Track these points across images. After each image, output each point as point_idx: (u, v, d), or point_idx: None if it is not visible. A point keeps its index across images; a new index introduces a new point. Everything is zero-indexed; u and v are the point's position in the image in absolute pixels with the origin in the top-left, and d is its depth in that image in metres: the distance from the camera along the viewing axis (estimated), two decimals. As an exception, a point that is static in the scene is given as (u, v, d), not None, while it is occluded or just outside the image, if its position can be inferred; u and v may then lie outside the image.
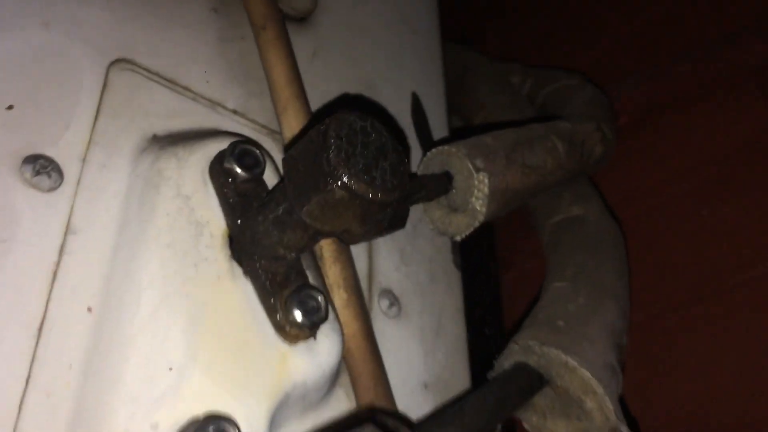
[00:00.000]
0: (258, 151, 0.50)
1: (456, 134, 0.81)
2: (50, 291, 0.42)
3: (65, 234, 0.44)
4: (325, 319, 0.48)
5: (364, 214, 0.42)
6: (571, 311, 0.59)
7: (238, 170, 0.49)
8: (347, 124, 0.41)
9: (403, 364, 0.60)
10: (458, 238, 0.61)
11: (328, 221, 0.42)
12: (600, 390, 0.52)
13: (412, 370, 0.61)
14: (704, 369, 0.70)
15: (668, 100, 0.90)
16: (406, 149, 0.46)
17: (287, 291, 0.48)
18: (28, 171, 0.44)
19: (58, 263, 0.43)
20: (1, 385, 0.39)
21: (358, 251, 0.62)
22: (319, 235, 0.45)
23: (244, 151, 0.49)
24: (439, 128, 0.79)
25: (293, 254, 0.47)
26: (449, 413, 0.48)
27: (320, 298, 0.48)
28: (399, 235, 0.66)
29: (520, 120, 0.91)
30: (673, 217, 0.81)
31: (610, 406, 0.52)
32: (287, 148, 0.57)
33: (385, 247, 0.64)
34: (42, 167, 0.44)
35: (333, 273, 0.55)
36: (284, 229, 0.45)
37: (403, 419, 0.50)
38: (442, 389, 0.62)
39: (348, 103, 0.66)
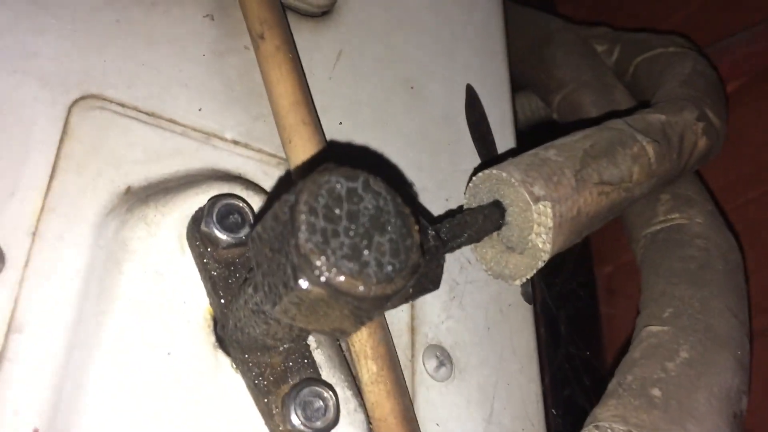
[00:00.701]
0: (244, 206, 0.40)
1: (524, 137, 0.67)
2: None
3: (6, 334, 0.36)
4: (334, 424, 0.37)
5: (357, 313, 0.30)
6: (670, 372, 0.46)
7: (219, 234, 0.39)
8: (326, 189, 0.30)
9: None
10: (518, 283, 0.49)
11: (310, 322, 0.31)
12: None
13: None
14: None
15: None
16: (414, 212, 0.35)
17: (285, 388, 0.38)
18: (-47, 262, 0.36)
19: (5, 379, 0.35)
20: None
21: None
22: (307, 333, 0.34)
23: (225, 208, 0.39)
24: (501, 126, 0.66)
25: (287, 345, 0.37)
26: None
27: (327, 397, 0.37)
28: (449, 268, 0.55)
29: (604, 101, 0.77)
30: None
31: None
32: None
33: (432, 293, 0.53)
34: (-27, 254, 0.36)
35: (358, 340, 0.45)
36: (267, 321, 0.35)
37: None
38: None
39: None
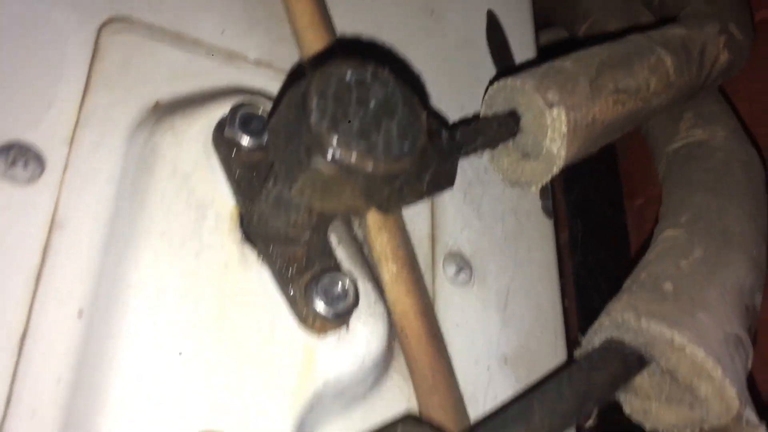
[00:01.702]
0: (265, 114, 0.42)
1: (546, 54, 0.68)
2: (33, 296, 0.37)
3: (49, 230, 0.39)
4: (354, 306, 0.40)
5: (368, 190, 0.33)
6: (683, 269, 0.47)
7: (242, 138, 0.41)
8: (336, 77, 0.32)
9: (478, 338, 0.52)
10: (534, 189, 0.51)
11: (325, 201, 0.33)
12: (717, 373, 0.41)
13: (489, 344, 0.52)
14: None
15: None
16: (424, 99, 0.36)
17: (308, 276, 0.40)
18: (1, 162, 0.39)
19: (41, 264, 0.38)
20: None
21: (418, 209, 0.53)
22: (328, 215, 0.37)
23: (248, 115, 0.41)
24: (524, 52, 0.67)
25: (308, 235, 0.39)
26: (514, 410, 0.39)
27: (347, 283, 0.40)
28: (471, 182, 0.57)
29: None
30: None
31: (731, 392, 0.41)
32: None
33: (452, 200, 0.55)
34: (17, 156, 0.39)
35: (379, 243, 0.47)
36: (287, 210, 0.37)
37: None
38: (528, 362, 0.53)
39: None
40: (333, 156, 0.30)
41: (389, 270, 0.47)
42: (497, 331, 0.53)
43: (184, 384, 0.37)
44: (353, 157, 0.31)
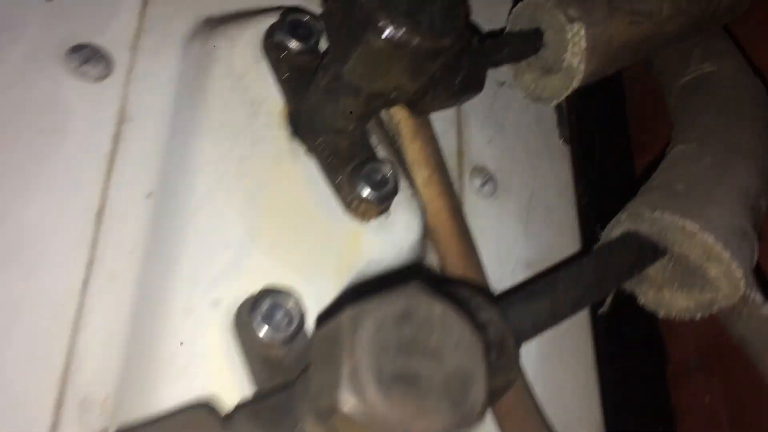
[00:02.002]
0: (311, 20, 0.46)
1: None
2: (108, 179, 0.41)
3: (119, 123, 0.43)
4: (394, 191, 0.44)
5: (414, 66, 0.36)
6: (693, 173, 0.51)
7: (291, 42, 0.45)
8: (384, -36, 0.36)
9: (502, 244, 0.56)
10: (554, 104, 0.54)
11: (375, 79, 0.37)
12: (726, 255, 0.45)
13: (512, 250, 0.56)
14: None
15: None
16: None
17: (352, 166, 0.44)
18: (74, 61, 0.43)
19: (113, 151, 0.42)
20: (65, 270, 0.39)
21: (446, 128, 0.57)
22: (374, 98, 0.40)
23: (296, 21, 0.45)
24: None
25: (354, 125, 0.43)
26: (540, 284, 0.43)
27: (387, 169, 0.44)
28: (493, 108, 0.60)
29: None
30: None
31: (738, 273, 0.45)
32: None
33: (477, 121, 0.59)
34: (89, 56, 0.43)
35: (412, 150, 0.51)
36: (337, 97, 0.41)
37: (482, 291, 0.45)
38: (549, 267, 0.57)
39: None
40: (383, 31, 0.34)
41: (422, 174, 0.51)
42: (519, 240, 0.57)
43: (240, 253, 0.41)
44: (401, 32, 0.35)
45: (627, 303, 0.51)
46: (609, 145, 0.85)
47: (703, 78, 0.65)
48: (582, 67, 0.51)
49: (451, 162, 0.56)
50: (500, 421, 0.44)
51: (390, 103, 0.45)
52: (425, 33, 0.35)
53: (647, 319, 0.57)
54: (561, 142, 0.64)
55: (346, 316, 0.28)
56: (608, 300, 0.52)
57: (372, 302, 0.28)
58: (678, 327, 0.76)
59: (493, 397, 0.37)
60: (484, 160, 0.58)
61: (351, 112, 0.42)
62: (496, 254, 0.54)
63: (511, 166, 0.59)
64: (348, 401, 0.26)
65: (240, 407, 0.33)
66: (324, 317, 0.39)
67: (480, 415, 0.29)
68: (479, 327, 0.36)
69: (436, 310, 0.29)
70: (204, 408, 0.32)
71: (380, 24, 0.34)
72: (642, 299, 0.51)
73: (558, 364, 0.55)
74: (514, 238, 0.56)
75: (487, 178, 0.57)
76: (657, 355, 0.81)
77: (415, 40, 0.35)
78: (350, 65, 0.36)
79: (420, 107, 0.46)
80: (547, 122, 0.64)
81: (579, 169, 0.64)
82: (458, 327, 0.29)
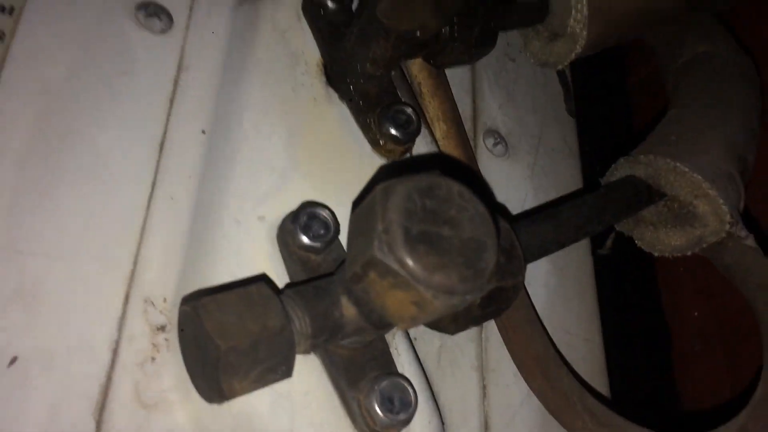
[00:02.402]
0: (347, -15, 0.52)
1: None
2: (168, 115, 0.48)
3: (178, 70, 0.49)
4: (418, 131, 0.50)
5: (435, 3, 0.43)
6: (685, 127, 0.56)
7: (328, 2, 0.51)
8: None
9: (513, 200, 0.61)
10: (560, 67, 0.60)
11: (403, 17, 0.44)
12: (712, 192, 0.50)
13: (519, 203, 0.61)
14: None
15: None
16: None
17: (379, 109, 0.50)
18: (141, 15, 0.49)
19: (173, 93, 0.48)
20: (132, 188, 0.44)
21: (461, 94, 0.63)
22: (401, 41, 0.46)
23: (333, -15, 0.52)
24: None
25: (382, 71, 0.49)
26: (546, 212, 0.48)
27: (410, 112, 0.50)
28: (504, 80, 0.67)
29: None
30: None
31: (724, 209, 0.50)
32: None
33: (490, 89, 0.65)
34: (153, 12, 0.50)
35: (432, 107, 0.57)
36: (368, 43, 0.47)
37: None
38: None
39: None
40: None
41: (440, 128, 0.57)
42: (531, 197, 0.62)
43: (283, 178, 0.47)
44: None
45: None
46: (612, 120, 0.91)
47: (698, 58, 0.71)
48: (584, 33, 0.57)
49: (467, 124, 0.62)
50: (505, 331, 0.49)
51: (414, 50, 0.51)
52: (446, -25, 0.41)
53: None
54: (567, 114, 0.70)
55: (379, 188, 0.34)
56: (608, 243, 0.57)
57: (401, 178, 0.34)
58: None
59: (502, 296, 0.43)
60: (496, 123, 0.64)
61: (380, 57, 0.48)
62: (510, 205, 0.60)
63: (521, 131, 0.65)
64: (381, 252, 0.32)
65: (287, 286, 0.39)
66: (358, 201, 0.44)
67: (491, 277, 0.35)
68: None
69: (455, 188, 0.35)
70: (263, 279, 0.37)
71: (408, -32, 0.41)
72: (639, 241, 0.56)
73: (563, 310, 0.60)
74: (521, 194, 0.62)
75: (500, 139, 0.63)
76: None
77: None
78: (381, 7, 0.43)
79: (440, 60, 0.52)
80: (555, 96, 0.70)
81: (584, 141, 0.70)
82: (474, 203, 0.35)
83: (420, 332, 0.50)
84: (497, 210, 0.50)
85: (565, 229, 0.47)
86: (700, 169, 0.51)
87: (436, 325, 0.43)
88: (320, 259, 0.43)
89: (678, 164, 0.51)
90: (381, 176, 0.47)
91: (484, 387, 0.51)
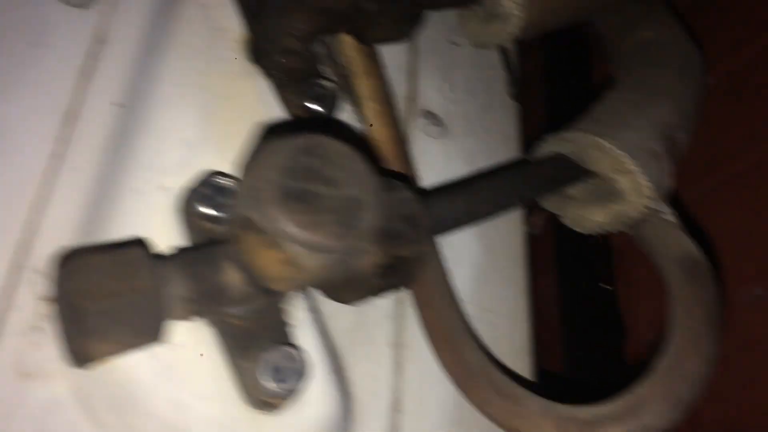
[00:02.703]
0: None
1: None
2: (81, 88, 0.47)
3: (96, 43, 0.49)
4: (335, 104, 0.49)
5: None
6: (615, 107, 0.56)
7: (250, -20, 0.51)
8: None
9: (446, 180, 0.60)
10: (493, 47, 0.60)
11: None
12: (633, 167, 0.50)
13: (455, 185, 0.61)
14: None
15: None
16: None
17: (301, 85, 0.50)
18: (69, -5, 0.49)
19: (90, 66, 0.48)
20: (31, 161, 0.43)
21: (399, 75, 0.62)
22: (320, 15, 0.46)
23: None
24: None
25: (302, 45, 0.49)
26: (460, 185, 0.48)
27: (330, 86, 0.49)
28: (446, 64, 0.66)
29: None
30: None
31: (645, 184, 0.49)
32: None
33: (429, 71, 0.64)
34: (75, -12, 0.49)
35: (364, 86, 0.56)
36: (287, 15, 0.47)
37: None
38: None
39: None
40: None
41: (371, 107, 0.56)
42: (461, 176, 0.62)
43: (191, 152, 0.46)
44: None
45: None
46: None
47: (640, 44, 0.70)
48: (521, 15, 0.56)
49: (402, 105, 0.61)
50: (419, 308, 0.48)
51: (336, 22, 0.50)
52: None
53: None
54: (509, 99, 0.70)
55: (259, 147, 0.33)
56: (537, 222, 0.56)
57: (282, 138, 0.33)
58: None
59: (404, 266, 0.42)
60: (433, 105, 0.63)
61: (300, 30, 0.47)
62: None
63: (458, 113, 0.64)
64: (252, 209, 0.32)
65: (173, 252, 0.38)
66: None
67: (367, 236, 0.34)
68: (394, 199, 0.40)
69: (336, 148, 0.34)
70: (139, 242, 0.37)
71: None
72: (565, 219, 0.55)
73: (490, 289, 0.59)
74: (457, 175, 0.61)
75: (435, 120, 0.62)
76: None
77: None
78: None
79: (368, 36, 0.51)
80: (497, 81, 0.69)
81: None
82: (357, 164, 0.34)
83: (336, 308, 0.49)
84: (408, 182, 0.49)
85: (481, 202, 0.47)
86: (622, 146, 0.50)
87: (334, 294, 0.42)
88: (225, 230, 0.43)
89: (600, 140, 0.50)
90: (266, 134, 0.46)
91: (398, 363, 0.51)
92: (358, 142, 0.43)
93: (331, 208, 0.33)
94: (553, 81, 0.92)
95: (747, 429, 0.66)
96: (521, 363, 0.57)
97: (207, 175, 0.43)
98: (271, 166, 0.32)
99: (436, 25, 0.66)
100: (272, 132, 0.47)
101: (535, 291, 0.60)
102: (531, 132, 0.73)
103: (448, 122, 0.63)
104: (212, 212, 0.42)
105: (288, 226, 0.31)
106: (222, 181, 0.43)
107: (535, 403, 0.43)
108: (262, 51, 0.50)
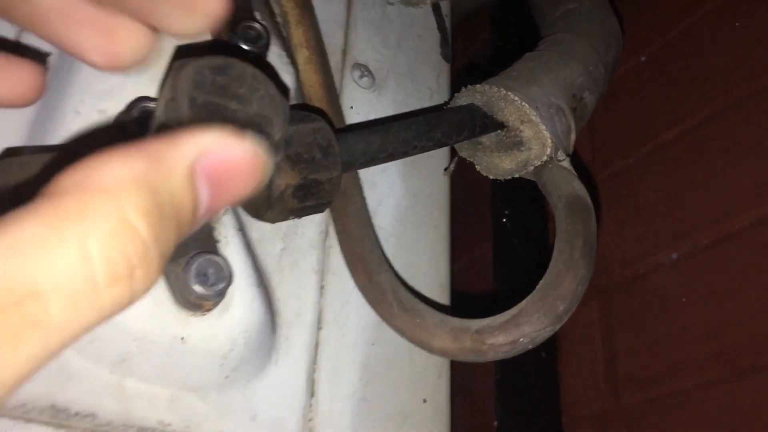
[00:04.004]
0: None
1: None
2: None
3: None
4: (267, 45, 0.54)
5: None
6: (528, 66, 0.61)
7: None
8: None
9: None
10: (424, 6, 0.65)
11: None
12: (536, 118, 0.55)
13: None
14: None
15: None
16: None
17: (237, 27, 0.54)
18: None
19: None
20: None
21: (334, 27, 0.67)
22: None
23: None
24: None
25: None
26: (378, 126, 0.52)
27: (260, 28, 0.54)
28: (380, 21, 0.71)
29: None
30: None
31: (546, 134, 0.55)
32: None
33: (363, 26, 0.69)
34: None
35: (297, 34, 0.61)
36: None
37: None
38: (415, 167, 0.67)
39: None
40: None
41: (303, 54, 0.61)
42: (391, 127, 0.67)
43: (128, 78, 0.50)
44: None
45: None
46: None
47: (566, 13, 0.76)
48: (442, -26, 0.61)
49: (335, 56, 0.66)
50: (339, 235, 0.54)
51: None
52: None
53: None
54: (442, 59, 0.75)
55: (175, 63, 0.37)
56: (451, 165, 0.62)
57: (198, 57, 0.38)
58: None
59: (319, 190, 0.46)
60: (365, 59, 0.68)
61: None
62: (367, 132, 0.64)
63: (389, 68, 0.69)
64: (167, 117, 0.36)
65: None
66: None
67: (273, 148, 0.39)
68: (309, 128, 0.45)
69: (249, 70, 0.39)
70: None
71: None
72: (478, 166, 0.61)
73: (412, 229, 0.64)
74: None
75: (366, 73, 0.67)
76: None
77: None
78: None
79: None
80: (431, 41, 0.74)
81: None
82: (266, 85, 0.39)
83: (264, 233, 0.54)
84: (325, 117, 0.54)
85: (393, 140, 0.51)
86: (529, 99, 0.56)
87: (253, 211, 0.46)
88: None
89: (508, 93, 0.56)
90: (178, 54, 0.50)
91: (322, 287, 0.56)
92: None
93: (240, 122, 0.37)
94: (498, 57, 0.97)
95: (659, 384, 0.72)
96: (439, 298, 0.63)
97: (135, 100, 0.47)
98: (184, 79, 0.36)
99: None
100: (188, 52, 0.51)
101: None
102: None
103: (378, 75, 0.68)
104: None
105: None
106: (150, 105, 0.47)
107: (434, 316, 0.48)
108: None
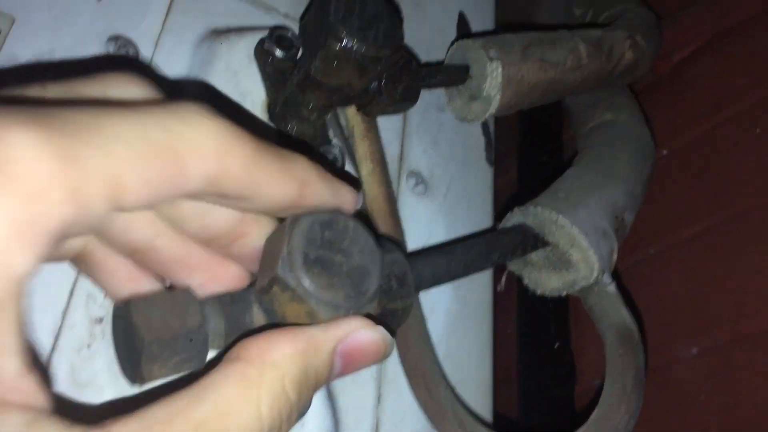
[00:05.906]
0: (293, 35, 0.60)
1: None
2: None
3: (139, 95, 0.57)
4: (343, 165, 0.58)
5: (361, 68, 0.51)
6: (574, 186, 0.66)
7: (276, 51, 0.59)
8: (349, -6, 0.51)
9: (426, 236, 0.70)
10: (477, 121, 0.69)
11: (332, 75, 0.52)
12: (585, 243, 0.59)
13: (435, 237, 0.70)
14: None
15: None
16: (400, 20, 0.55)
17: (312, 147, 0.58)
18: (111, 47, 0.57)
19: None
20: None
21: (392, 138, 0.71)
22: (332, 92, 0.55)
23: (281, 35, 0.60)
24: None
25: (316, 115, 0.58)
26: (440, 249, 0.56)
27: (337, 151, 0.58)
28: (431, 127, 0.75)
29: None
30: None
31: (593, 258, 0.59)
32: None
33: (417, 135, 0.73)
34: (122, 45, 0.57)
35: (361, 148, 0.65)
36: (304, 90, 0.55)
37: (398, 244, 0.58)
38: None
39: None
40: (341, 40, 0.49)
41: (367, 167, 0.65)
42: (443, 236, 0.71)
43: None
44: (353, 42, 0.49)
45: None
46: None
47: (602, 125, 0.81)
48: (498, 97, 0.66)
49: (393, 165, 0.70)
50: (400, 348, 0.57)
51: (345, 101, 0.59)
52: (370, 44, 0.50)
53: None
54: (486, 163, 0.79)
55: (289, 218, 0.42)
56: (503, 281, 0.66)
57: (307, 213, 0.42)
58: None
59: (394, 317, 0.51)
60: (419, 167, 0.72)
61: (314, 104, 0.56)
62: (420, 244, 0.68)
63: (442, 176, 0.73)
64: (283, 271, 0.40)
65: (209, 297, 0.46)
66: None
67: (371, 298, 0.43)
68: (388, 260, 0.49)
69: (351, 224, 0.43)
70: (188, 289, 0.45)
71: (339, 34, 0.49)
72: (526, 280, 0.65)
73: (460, 334, 0.68)
74: (437, 233, 0.70)
75: (421, 180, 0.71)
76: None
77: (362, 48, 0.50)
78: (315, 64, 0.51)
79: (369, 110, 0.60)
80: (477, 146, 0.79)
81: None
82: (364, 238, 0.43)
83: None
84: (399, 245, 0.58)
85: (456, 264, 0.55)
86: (578, 223, 0.60)
87: None
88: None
89: (560, 218, 0.60)
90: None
91: (379, 395, 0.59)
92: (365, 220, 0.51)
93: (345, 274, 0.41)
94: (526, 147, 1.02)
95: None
96: (482, 403, 0.66)
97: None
98: (298, 236, 0.41)
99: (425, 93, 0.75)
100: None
101: (497, 337, 0.70)
102: (504, 192, 0.83)
103: (431, 182, 0.72)
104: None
105: (313, 287, 0.40)
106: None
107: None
108: (281, 116, 0.59)
